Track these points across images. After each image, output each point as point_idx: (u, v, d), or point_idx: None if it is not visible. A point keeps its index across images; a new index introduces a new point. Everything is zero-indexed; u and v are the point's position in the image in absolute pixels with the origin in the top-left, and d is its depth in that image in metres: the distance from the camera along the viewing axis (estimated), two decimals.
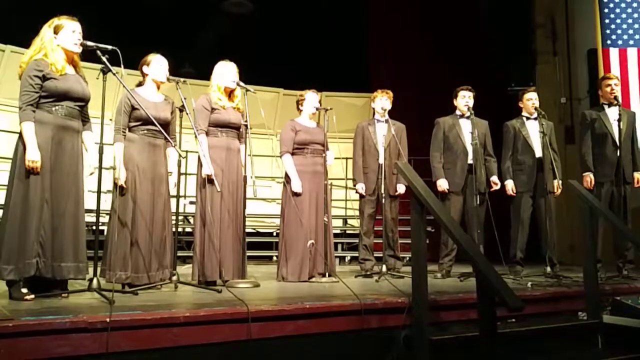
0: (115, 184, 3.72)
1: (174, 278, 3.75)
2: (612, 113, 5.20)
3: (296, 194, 4.71)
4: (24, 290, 3.04)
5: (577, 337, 3.59)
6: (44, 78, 3.20)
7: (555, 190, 5.17)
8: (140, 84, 4.02)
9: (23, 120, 3.15)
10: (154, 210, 3.81)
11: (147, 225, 3.76)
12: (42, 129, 3.17)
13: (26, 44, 3.37)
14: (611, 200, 5.16)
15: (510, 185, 5.27)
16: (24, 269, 3.04)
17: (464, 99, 5.24)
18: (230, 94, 4.40)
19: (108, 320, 2.43)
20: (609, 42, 7.39)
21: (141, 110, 3.65)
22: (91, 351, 2.39)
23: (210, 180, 4.11)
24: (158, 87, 4.02)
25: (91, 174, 3.51)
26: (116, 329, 2.44)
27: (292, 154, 4.84)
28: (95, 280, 3.17)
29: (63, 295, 3.17)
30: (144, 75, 4.01)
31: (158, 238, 3.82)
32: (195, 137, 4.11)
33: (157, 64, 3.97)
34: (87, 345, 2.39)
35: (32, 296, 3.03)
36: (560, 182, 5.16)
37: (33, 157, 3.09)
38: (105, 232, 3.76)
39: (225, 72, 4.35)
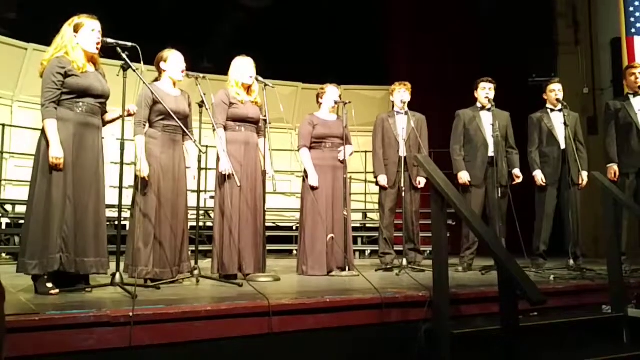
0: (136, 178, 3.75)
1: (196, 272, 3.78)
2: (637, 103, 5.11)
3: (313, 188, 4.71)
4: (49, 285, 3.09)
5: (601, 331, 3.53)
6: (66, 75, 3.23)
7: (581, 182, 5.09)
8: (156, 80, 4.02)
9: (45, 118, 3.19)
10: (176, 206, 3.85)
11: (169, 222, 3.79)
12: (64, 126, 3.21)
13: (48, 43, 3.41)
14: (636, 192, 5.07)
15: (539, 176, 5.19)
16: (48, 264, 3.09)
17: (485, 91, 5.18)
18: (248, 88, 4.40)
19: (131, 314, 2.45)
20: (633, 30, 7.20)
21: (162, 104, 3.66)
22: (115, 345, 2.42)
23: (229, 176, 4.13)
24: (174, 84, 4.03)
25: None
26: (139, 323, 2.47)
27: (311, 148, 4.84)
28: (118, 275, 3.21)
29: (87, 289, 3.22)
30: (160, 71, 4.02)
31: (180, 233, 3.85)
32: (214, 131, 4.12)
33: (174, 62, 3.98)
34: (111, 339, 2.42)
35: (57, 291, 3.08)
36: (585, 174, 5.07)
37: (56, 153, 3.13)
38: (127, 228, 3.79)
39: (243, 67, 4.36)
